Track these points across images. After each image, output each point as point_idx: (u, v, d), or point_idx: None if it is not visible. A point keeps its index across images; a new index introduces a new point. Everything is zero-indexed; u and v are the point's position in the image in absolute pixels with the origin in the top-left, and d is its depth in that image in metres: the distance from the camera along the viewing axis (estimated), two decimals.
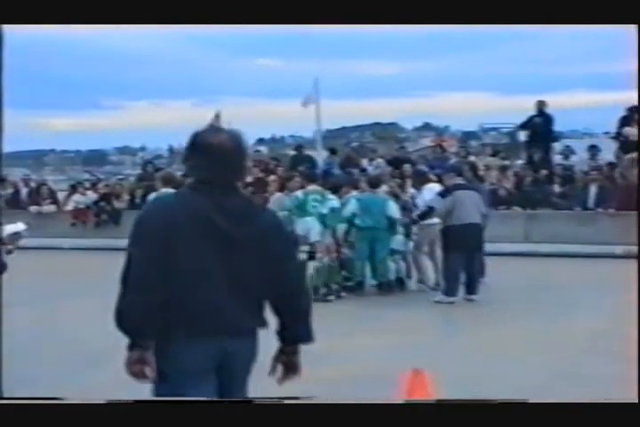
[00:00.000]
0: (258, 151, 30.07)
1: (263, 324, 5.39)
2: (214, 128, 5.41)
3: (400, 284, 16.11)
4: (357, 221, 15.73)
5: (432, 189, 16.60)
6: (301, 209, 15.86)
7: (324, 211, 15.49)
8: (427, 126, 54.69)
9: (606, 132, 26.82)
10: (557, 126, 26.35)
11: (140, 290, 5.01)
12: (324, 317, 13.10)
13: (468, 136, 31.00)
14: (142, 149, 34.24)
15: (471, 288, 14.95)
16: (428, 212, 15.48)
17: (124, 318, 5.05)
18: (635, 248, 20.06)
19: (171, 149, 33.03)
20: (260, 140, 33.34)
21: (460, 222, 14.81)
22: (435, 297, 14.96)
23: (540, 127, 25.15)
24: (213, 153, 5.18)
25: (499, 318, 13.54)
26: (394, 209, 15.94)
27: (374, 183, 16.68)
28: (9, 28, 6.24)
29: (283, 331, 5.53)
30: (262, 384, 5.88)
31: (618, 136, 25.23)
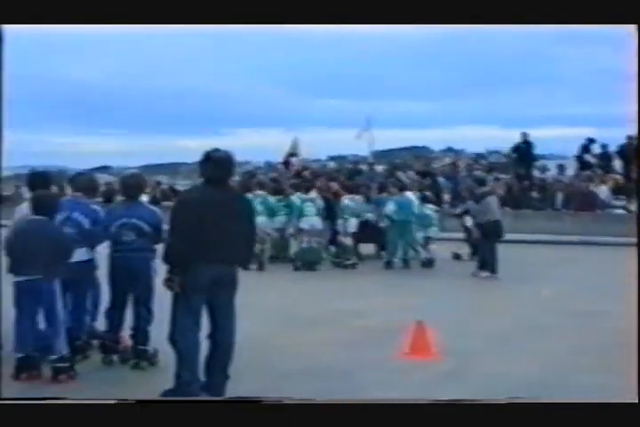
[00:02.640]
0: (325, 166, 30.17)
1: (244, 260, 6.72)
2: (215, 149, 6.32)
3: (430, 262, 15.60)
4: (394, 216, 15.46)
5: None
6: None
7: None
8: (449, 149, 53.56)
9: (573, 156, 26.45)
10: (537, 151, 25.90)
11: (182, 243, 6.05)
12: (361, 284, 13.47)
13: (478, 157, 30.13)
14: (246, 162, 34.38)
15: (494, 268, 14.41)
16: (465, 212, 15.50)
17: (171, 258, 6.15)
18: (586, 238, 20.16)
19: (268, 164, 33.15)
20: (332, 158, 33.51)
21: (491, 219, 14.54)
22: (481, 274, 14.42)
23: (524, 151, 24.88)
24: (212, 163, 6.22)
25: (487, 286, 13.53)
26: (417, 207, 15.93)
27: (402, 188, 16.57)
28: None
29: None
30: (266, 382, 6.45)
31: (579, 159, 25.17)
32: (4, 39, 5.40)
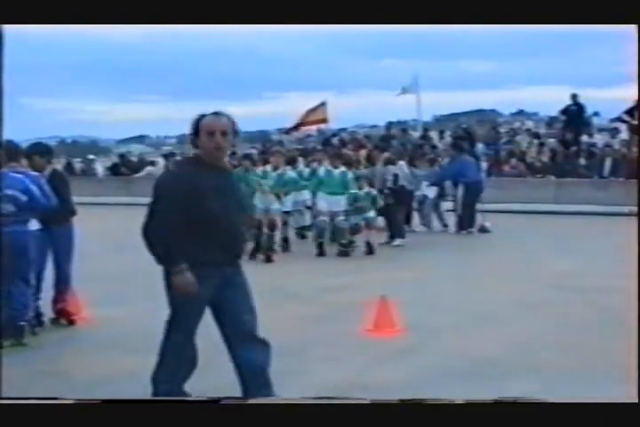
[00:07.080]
0: (354, 132, 28.81)
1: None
2: (214, 113, 4.99)
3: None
4: None
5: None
6: None
7: None
8: (521, 112, 51.62)
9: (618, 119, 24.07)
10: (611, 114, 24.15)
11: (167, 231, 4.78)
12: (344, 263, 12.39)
13: (551, 120, 28.09)
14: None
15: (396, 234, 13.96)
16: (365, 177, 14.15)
17: (156, 249, 4.86)
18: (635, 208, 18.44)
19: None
20: (390, 123, 31.94)
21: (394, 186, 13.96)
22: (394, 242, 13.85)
23: (574, 114, 22.64)
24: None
25: (488, 261, 12.35)
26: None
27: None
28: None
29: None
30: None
31: (621, 121, 22.65)
32: (3, 39, 5.17)
